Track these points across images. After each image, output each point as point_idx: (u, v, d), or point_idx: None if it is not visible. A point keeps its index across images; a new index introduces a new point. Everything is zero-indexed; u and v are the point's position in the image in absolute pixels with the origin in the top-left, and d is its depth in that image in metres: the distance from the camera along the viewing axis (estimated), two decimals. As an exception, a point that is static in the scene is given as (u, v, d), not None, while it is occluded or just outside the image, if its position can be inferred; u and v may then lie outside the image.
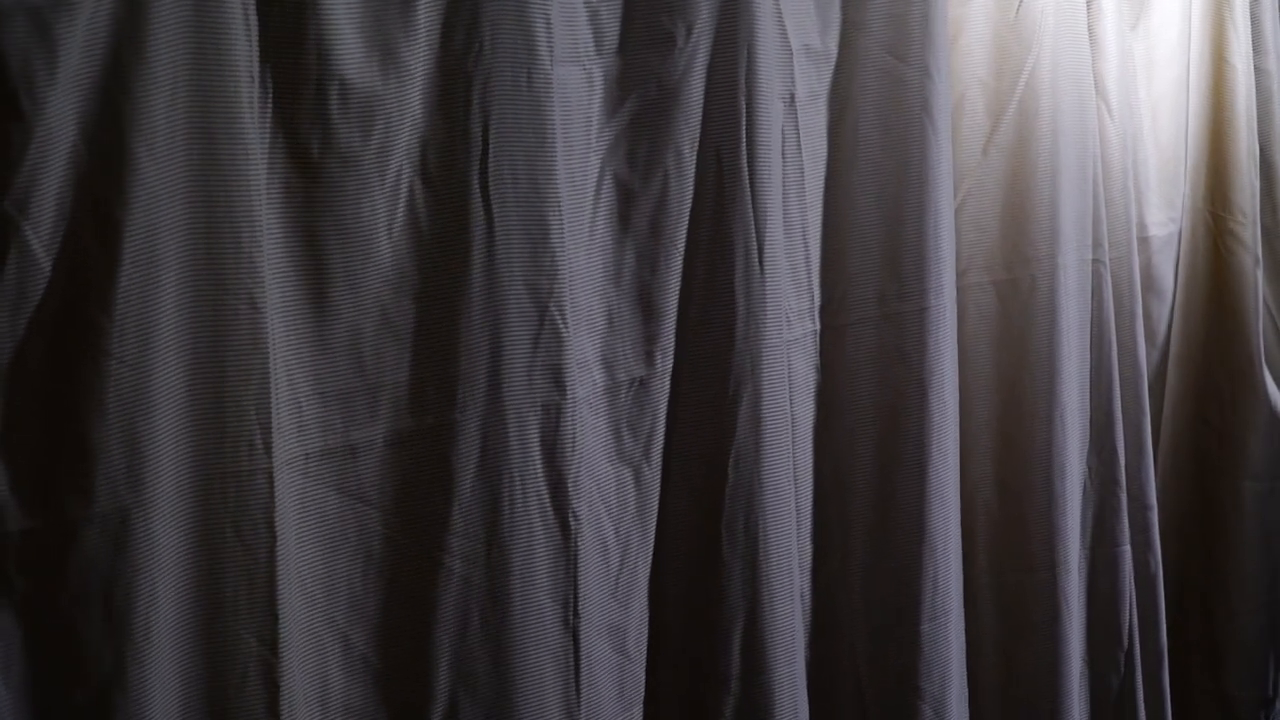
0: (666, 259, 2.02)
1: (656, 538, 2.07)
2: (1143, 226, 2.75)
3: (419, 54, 1.75)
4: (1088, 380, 2.58)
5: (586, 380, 1.95)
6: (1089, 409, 2.59)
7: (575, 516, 1.91)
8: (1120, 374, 2.64)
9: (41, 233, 1.47)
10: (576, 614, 1.92)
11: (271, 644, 1.64)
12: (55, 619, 1.51)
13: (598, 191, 1.96)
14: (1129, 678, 2.67)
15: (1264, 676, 2.94)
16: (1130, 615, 2.66)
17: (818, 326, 2.23)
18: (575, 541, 1.91)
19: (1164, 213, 2.80)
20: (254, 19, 1.62)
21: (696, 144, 2.02)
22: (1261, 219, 2.84)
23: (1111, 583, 2.64)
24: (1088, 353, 2.58)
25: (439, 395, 1.80)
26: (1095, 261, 2.57)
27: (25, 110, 1.44)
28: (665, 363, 2.04)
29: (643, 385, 2.02)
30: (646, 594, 2.05)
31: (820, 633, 2.27)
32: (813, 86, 2.19)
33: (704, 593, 2.09)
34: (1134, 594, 2.67)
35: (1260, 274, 2.84)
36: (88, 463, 1.51)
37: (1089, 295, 2.57)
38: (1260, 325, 2.85)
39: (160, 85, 1.53)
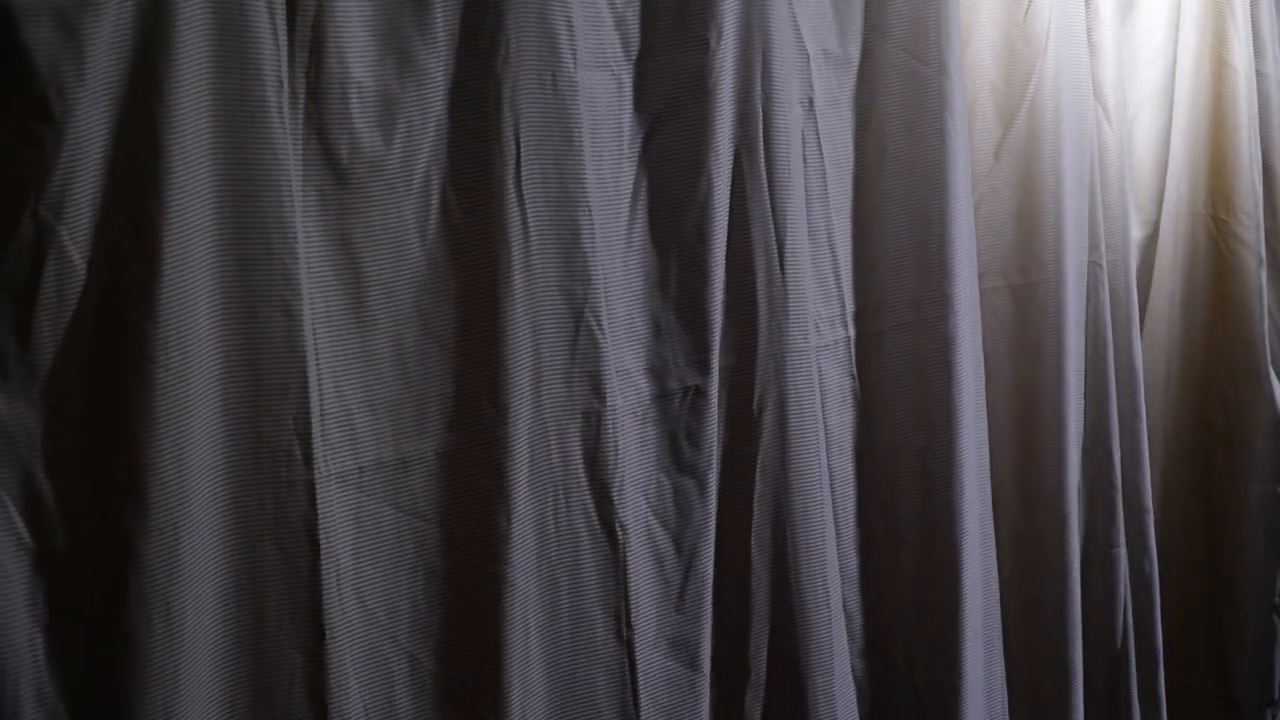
0: (714, 265, 2.00)
1: None
2: None
3: (438, 57, 1.73)
4: (1082, 383, 2.58)
5: (629, 389, 1.92)
6: (1083, 411, 2.59)
7: (623, 527, 1.88)
8: (1116, 376, 2.64)
9: (78, 238, 1.44)
10: (629, 626, 1.90)
11: (318, 659, 1.61)
12: (116, 634, 1.48)
13: (634, 199, 1.94)
14: (1123, 680, 2.67)
15: (1269, 679, 2.95)
16: (1125, 618, 2.66)
17: (851, 333, 2.21)
18: (624, 552, 1.88)
19: (1138, 215, 2.80)
20: (281, 21, 1.59)
21: (732, 148, 2.00)
22: (1264, 222, 2.85)
23: (1105, 585, 2.64)
24: (1083, 356, 2.58)
25: (491, 406, 1.77)
26: (1092, 264, 2.57)
27: (56, 112, 1.41)
28: (716, 370, 2.02)
29: (699, 394, 2.00)
30: (712, 606, 2.03)
31: (872, 645, 2.26)
32: (833, 92, 2.17)
33: (732, 600, 2.07)
34: (1129, 596, 2.67)
35: (1264, 276, 2.85)
36: (143, 475, 1.47)
37: (1085, 298, 2.57)
38: (1266, 328, 2.85)
39: (189, 87, 1.50)
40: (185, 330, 1.50)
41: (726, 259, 2.03)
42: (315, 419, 1.61)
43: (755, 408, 2.05)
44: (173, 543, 1.49)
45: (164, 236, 1.48)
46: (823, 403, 2.14)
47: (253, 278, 1.57)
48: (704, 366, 2.00)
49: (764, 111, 2.03)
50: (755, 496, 2.05)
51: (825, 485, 2.12)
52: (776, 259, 2.05)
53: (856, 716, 2.18)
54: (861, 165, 2.22)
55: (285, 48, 1.59)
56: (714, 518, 2.03)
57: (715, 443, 2.02)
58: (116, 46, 1.45)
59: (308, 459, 1.61)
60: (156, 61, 1.47)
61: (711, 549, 2.02)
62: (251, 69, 1.55)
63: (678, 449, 1.99)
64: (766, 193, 2.04)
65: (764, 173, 2.04)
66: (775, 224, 2.05)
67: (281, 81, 1.58)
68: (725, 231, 2.01)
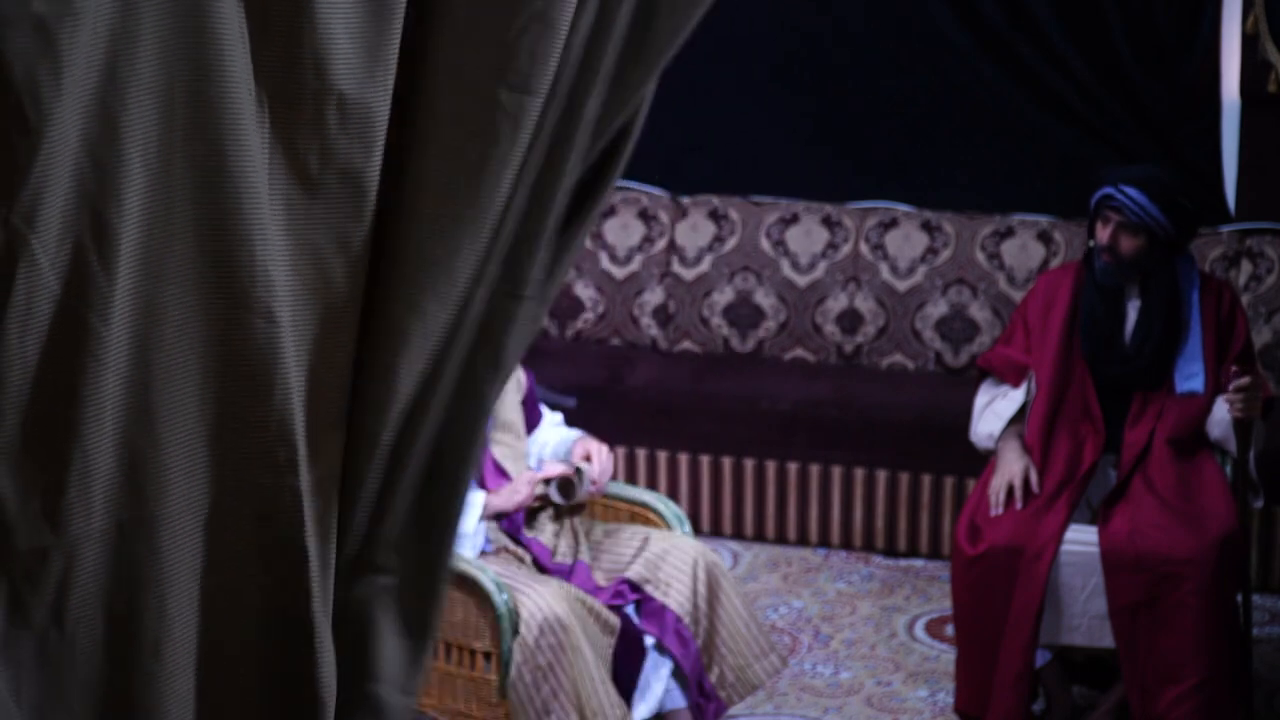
0: None
1: None
2: None
3: None
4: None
5: None
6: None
7: None
8: None
9: (48, 246, 1.44)
10: None
11: (311, 664, 1.62)
12: (61, 636, 1.50)
13: None
14: None
15: None
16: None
17: None
18: None
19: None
20: (246, 31, 1.56)
21: None
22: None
23: None
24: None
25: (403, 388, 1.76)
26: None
27: (31, 121, 1.39)
28: None
29: None
30: None
31: None
32: None
33: None
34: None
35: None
36: (89, 478, 1.49)
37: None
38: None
39: (156, 95, 1.49)
40: (144, 335, 1.51)
41: None
42: (298, 424, 1.60)
43: None
44: (118, 547, 1.51)
45: (122, 240, 1.48)
46: None
47: (233, 285, 1.56)
48: None
49: None
50: None
51: None
52: None
53: None
54: None
55: (251, 57, 1.56)
56: None
57: None
58: (90, 54, 1.44)
59: (291, 464, 1.59)
60: (123, 70, 1.46)
61: None
62: (226, 77, 1.53)
63: None
64: None
65: None
66: None
67: (250, 90, 1.56)
68: None
